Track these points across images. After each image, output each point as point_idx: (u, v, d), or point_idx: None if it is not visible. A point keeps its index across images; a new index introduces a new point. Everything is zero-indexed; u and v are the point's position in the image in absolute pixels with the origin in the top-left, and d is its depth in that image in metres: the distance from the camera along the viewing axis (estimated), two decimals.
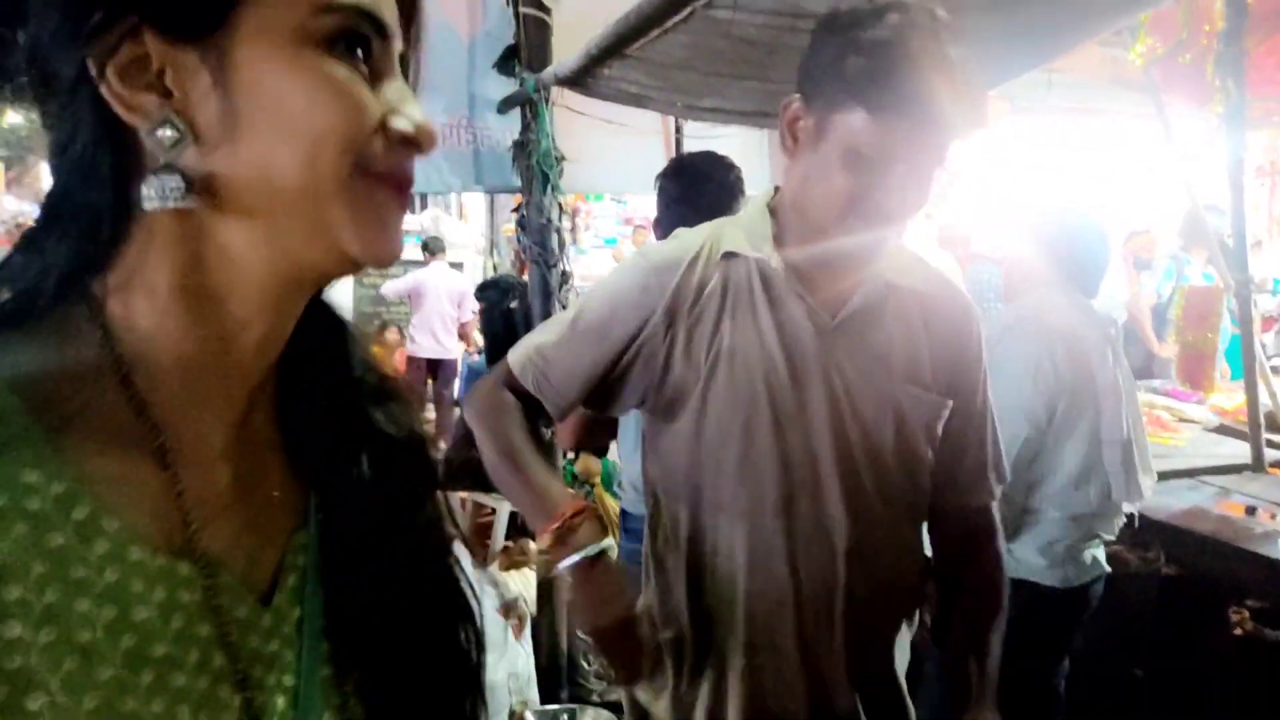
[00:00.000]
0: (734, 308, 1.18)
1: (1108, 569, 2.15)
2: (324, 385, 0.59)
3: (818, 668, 1.20)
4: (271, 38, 0.47)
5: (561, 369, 1.23)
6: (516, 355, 1.27)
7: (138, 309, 0.50)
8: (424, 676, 0.60)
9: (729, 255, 1.20)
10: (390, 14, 0.51)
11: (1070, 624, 2.14)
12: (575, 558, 1.12)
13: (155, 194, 0.47)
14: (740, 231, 1.22)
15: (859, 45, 1.05)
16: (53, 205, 0.50)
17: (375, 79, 0.50)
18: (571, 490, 1.18)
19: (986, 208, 7.65)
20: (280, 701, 0.53)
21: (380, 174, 0.50)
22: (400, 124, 0.50)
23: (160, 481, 0.51)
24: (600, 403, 1.27)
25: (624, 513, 2.22)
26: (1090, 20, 2.16)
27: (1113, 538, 2.19)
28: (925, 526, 1.31)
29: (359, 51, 0.49)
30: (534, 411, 1.26)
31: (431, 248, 7.07)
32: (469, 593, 0.64)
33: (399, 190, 0.51)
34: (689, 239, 1.24)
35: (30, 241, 0.51)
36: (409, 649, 0.59)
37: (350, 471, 0.59)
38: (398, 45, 0.52)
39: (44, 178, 0.56)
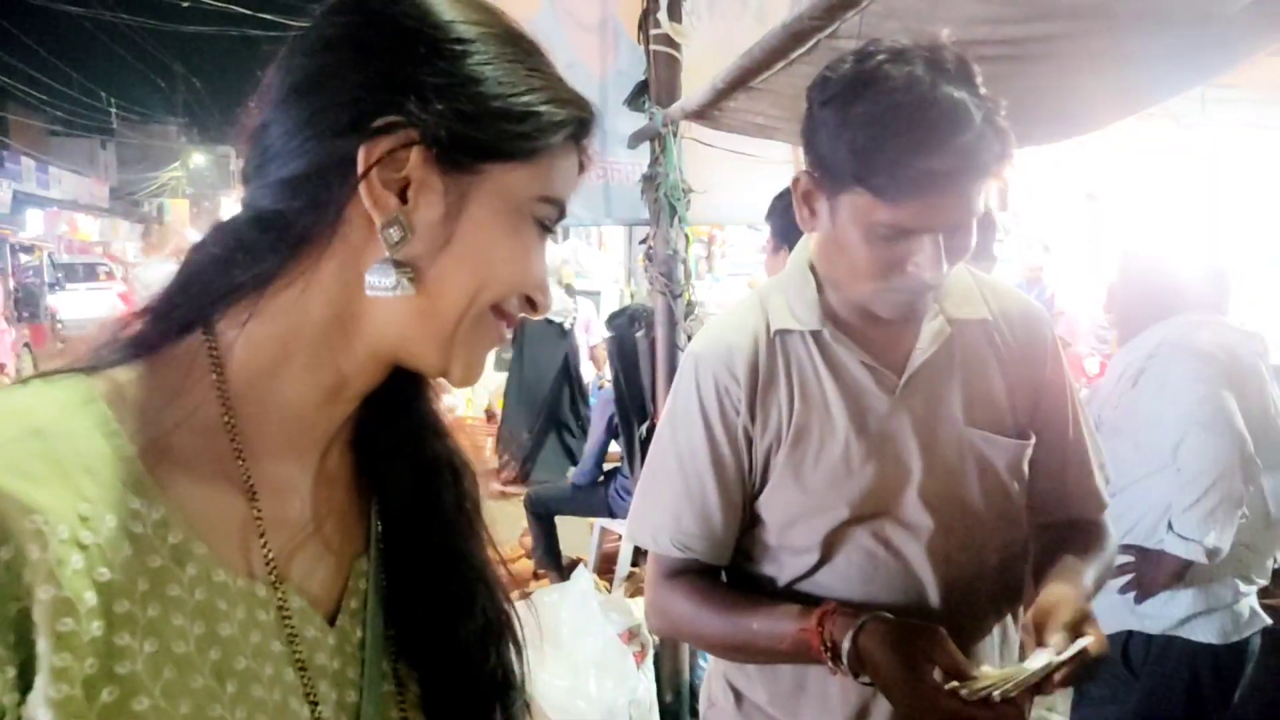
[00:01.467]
0: (801, 388, 1.14)
1: (1269, 621, 1.97)
2: (397, 424, 0.65)
3: None
4: (504, 198, 0.58)
5: (694, 514, 1.16)
6: (646, 534, 1.21)
7: (260, 348, 0.56)
8: (475, 689, 0.65)
9: (782, 333, 1.15)
10: (569, 199, 0.63)
11: (1227, 684, 1.97)
12: (846, 642, 1.00)
13: (388, 282, 0.55)
14: (785, 300, 1.17)
15: (853, 123, 0.97)
16: (234, 239, 0.57)
17: (541, 240, 0.62)
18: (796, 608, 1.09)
19: (1146, 233, 7.20)
20: (344, 716, 0.58)
21: (502, 312, 0.61)
22: (539, 299, 0.62)
23: (244, 512, 0.56)
24: (742, 522, 1.19)
25: None
26: (1262, 33, 2.02)
27: (1265, 582, 2.01)
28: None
29: (547, 225, 0.61)
30: (706, 572, 1.19)
31: None
32: (510, 610, 0.69)
33: (506, 326, 0.62)
34: (738, 321, 1.19)
35: (194, 272, 0.58)
36: (462, 664, 0.64)
37: (410, 496, 0.65)
38: None
39: (223, 213, 0.63)
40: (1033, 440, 1.17)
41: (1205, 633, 1.93)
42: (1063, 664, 0.94)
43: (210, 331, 0.57)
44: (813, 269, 1.17)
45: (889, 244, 1.00)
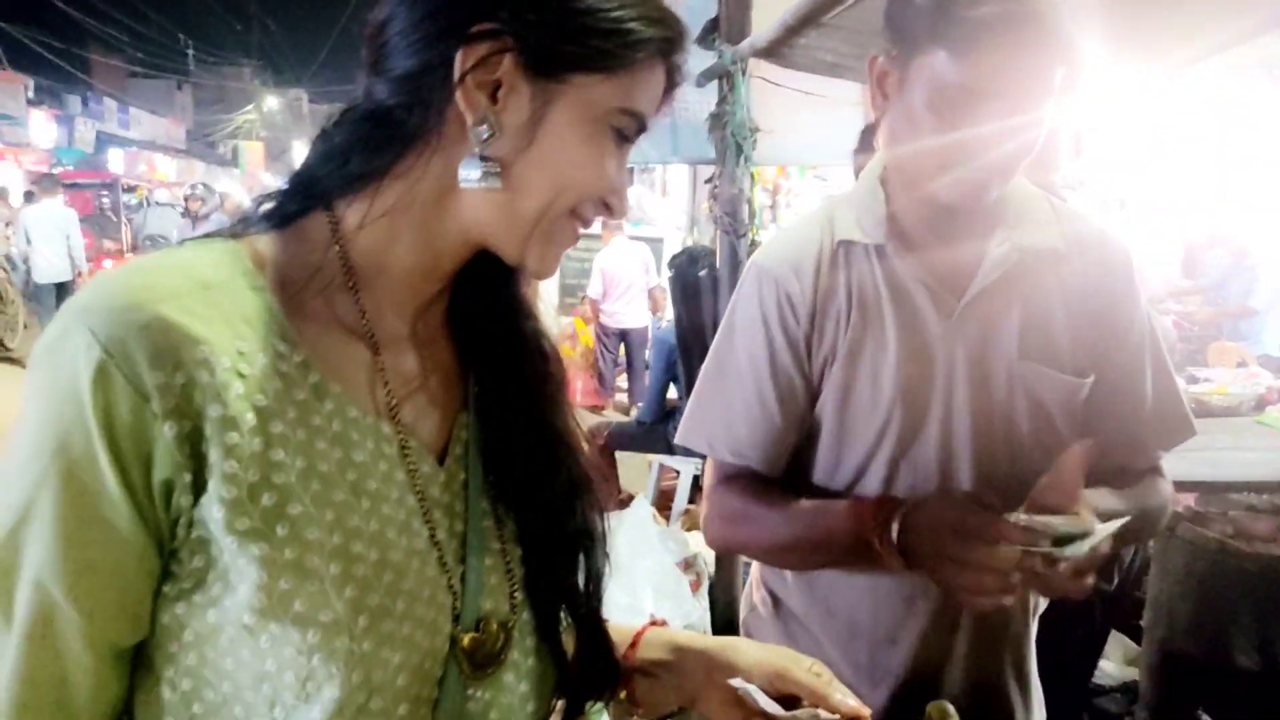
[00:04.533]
0: (859, 302, 1.13)
1: None
2: (489, 297, 0.74)
3: (939, 664, 1.17)
4: (586, 105, 0.63)
5: (750, 423, 1.16)
6: (702, 440, 1.21)
7: (376, 227, 0.65)
8: (563, 535, 0.73)
9: (846, 243, 1.14)
10: (654, 114, 0.68)
11: None
12: (894, 528, 0.99)
13: (475, 175, 0.62)
14: (852, 213, 1.16)
15: None
16: (354, 132, 0.65)
17: (620, 148, 0.67)
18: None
19: (1232, 188, 6.92)
20: (454, 541, 0.67)
21: (579, 215, 0.67)
22: (614, 202, 0.67)
23: (369, 361, 0.65)
24: (799, 428, 1.18)
25: None
26: None
27: None
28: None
29: (625, 136, 0.66)
30: (759, 479, 1.19)
31: (611, 224, 7.41)
32: (590, 472, 0.77)
33: (582, 226, 0.69)
34: (802, 232, 1.18)
35: (320, 159, 0.66)
36: (551, 513, 0.72)
37: (503, 366, 0.73)
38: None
39: (297, 158, 0.71)
40: (1090, 379, 1.13)
41: None
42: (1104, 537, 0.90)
43: (331, 210, 0.65)
44: (883, 184, 1.15)
45: (956, 112, 0.99)
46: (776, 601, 1.28)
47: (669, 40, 0.65)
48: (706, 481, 1.26)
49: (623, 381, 7.46)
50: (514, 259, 0.67)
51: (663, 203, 9.52)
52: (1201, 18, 1.90)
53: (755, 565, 1.36)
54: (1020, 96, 0.97)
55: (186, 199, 8.09)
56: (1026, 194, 1.16)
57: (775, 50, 2.34)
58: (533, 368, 0.74)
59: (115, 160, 21.33)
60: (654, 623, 0.84)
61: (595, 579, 0.76)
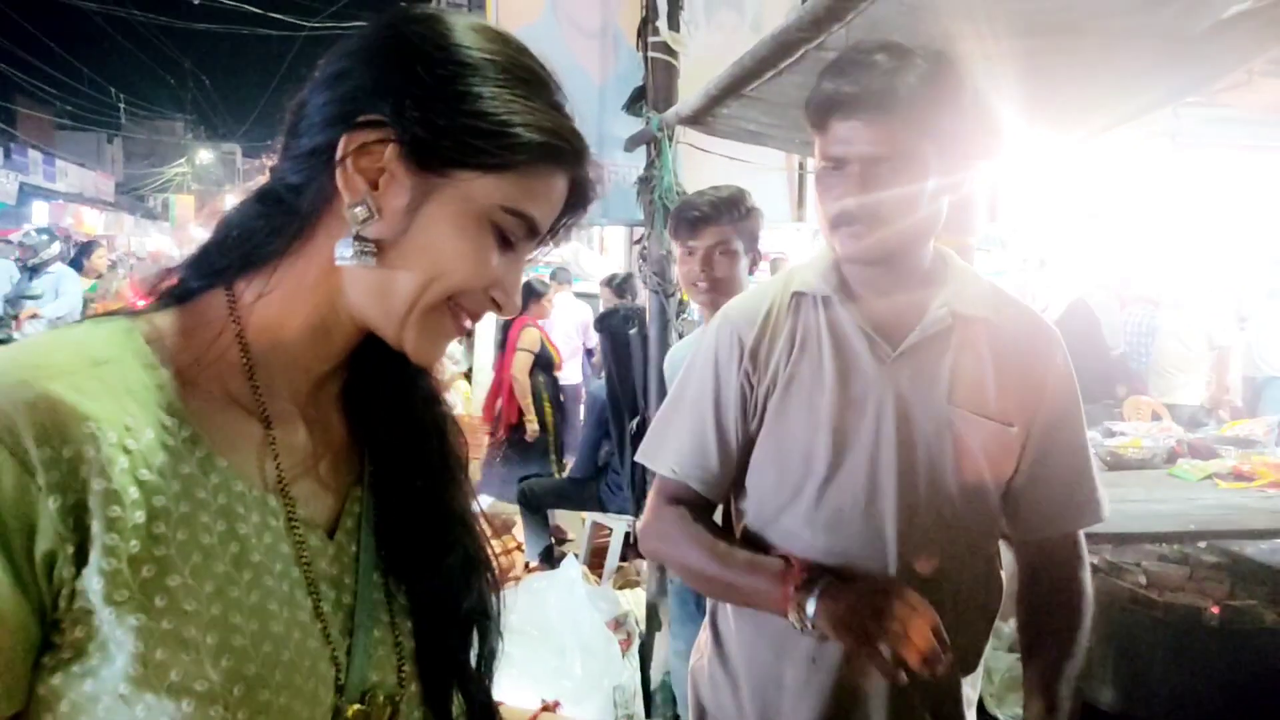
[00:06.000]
0: (802, 343, 1.24)
1: None
2: (384, 378, 0.75)
3: (866, 688, 1.21)
4: (465, 200, 0.65)
5: (693, 445, 1.28)
6: (651, 455, 1.33)
7: (272, 306, 0.67)
8: (456, 613, 0.74)
9: (798, 295, 1.26)
10: (548, 220, 0.69)
11: None
12: (813, 599, 1.11)
13: (349, 254, 0.64)
14: (810, 270, 1.28)
15: (821, 72, 1.15)
16: (252, 214, 0.67)
17: (506, 248, 0.68)
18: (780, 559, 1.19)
19: (1143, 249, 7.28)
20: (340, 613, 0.68)
21: (463, 308, 0.68)
22: (497, 295, 0.68)
23: (260, 436, 0.67)
24: (739, 464, 1.29)
25: None
26: (1226, 56, 2.09)
27: None
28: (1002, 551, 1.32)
29: (510, 235, 0.67)
30: (700, 508, 1.31)
31: (559, 279, 7.46)
32: (487, 547, 0.78)
33: (467, 322, 0.69)
34: (766, 287, 1.32)
35: (221, 237, 0.68)
36: (444, 590, 0.73)
37: (397, 445, 0.74)
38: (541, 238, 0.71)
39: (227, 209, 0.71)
40: (1015, 428, 1.21)
41: None
42: None
43: (230, 289, 0.67)
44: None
45: (825, 180, 1.16)
46: (719, 640, 1.34)
47: (556, 150, 0.66)
48: (651, 496, 1.35)
49: None
50: (393, 342, 0.68)
51: (600, 260, 9.61)
52: (1112, 90, 2.03)
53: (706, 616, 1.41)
54: (865, 154, 1.11)
55: (20, 247, 7.26)
56: (967, 272, 1.27)
57: (700, 118, 2.42)
58: (427, 448, 0.76)
59: (40, 213, 20.67)
60: (545, 707, 0.84)
61: (488, 657, 0.76)
